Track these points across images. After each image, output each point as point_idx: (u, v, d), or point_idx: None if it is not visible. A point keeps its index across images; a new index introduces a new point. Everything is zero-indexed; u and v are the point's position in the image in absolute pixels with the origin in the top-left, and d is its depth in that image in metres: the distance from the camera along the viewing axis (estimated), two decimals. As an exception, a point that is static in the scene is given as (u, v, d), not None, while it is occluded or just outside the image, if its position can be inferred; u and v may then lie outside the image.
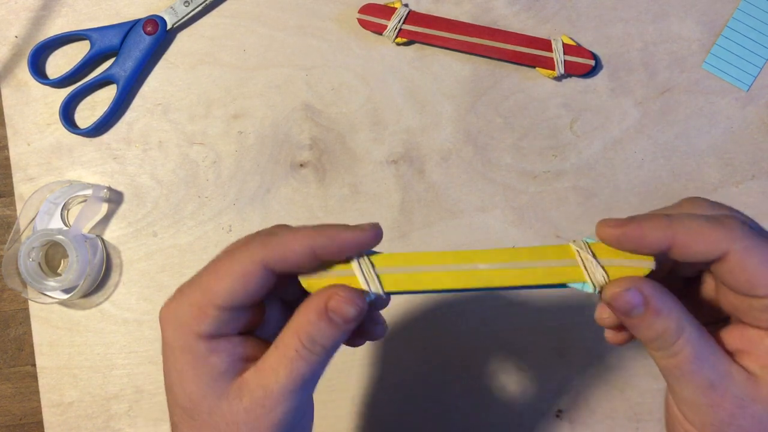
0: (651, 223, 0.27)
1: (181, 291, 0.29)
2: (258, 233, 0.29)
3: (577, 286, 0.28)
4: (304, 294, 0.29)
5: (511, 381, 0.51)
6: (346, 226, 0.29)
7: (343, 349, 0.51)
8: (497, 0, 0.53)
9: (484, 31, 0.51)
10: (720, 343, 0.28)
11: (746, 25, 0.52)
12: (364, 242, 0.29)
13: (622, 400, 0.51)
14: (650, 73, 0.52)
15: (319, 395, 0.51)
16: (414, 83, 0.52)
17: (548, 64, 0.51)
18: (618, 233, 0.27)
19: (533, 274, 0.28)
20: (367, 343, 0.51)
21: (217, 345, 0.28)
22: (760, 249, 0.26)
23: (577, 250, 0.28)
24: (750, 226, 0.26)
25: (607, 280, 0.27)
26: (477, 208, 0.52)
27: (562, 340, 0.51)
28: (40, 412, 0.50)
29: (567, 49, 0.51)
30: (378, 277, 0.29)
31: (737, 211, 0.28)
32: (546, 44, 0.51)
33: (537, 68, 0.52)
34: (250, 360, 0.29)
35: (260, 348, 0.30)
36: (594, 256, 0.28)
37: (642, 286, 0.27)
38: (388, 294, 0.29)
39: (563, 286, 0.28)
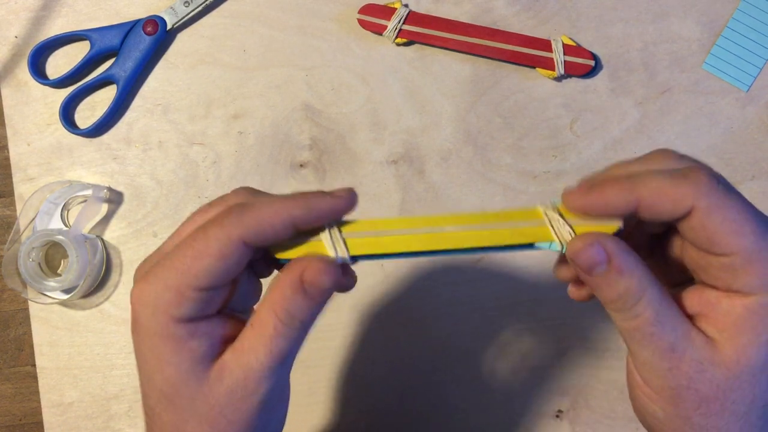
0: (613, 188, 0.26)
1: (154, 273, 0.27)
2: (231, 205, 0.28)
3: (545, 245, 0.27)
4: (270, 260, 0.29)
5: (511, 381, 0.51)
6: (322, 194, 0.28)
7: (343, 349, 0.51)
8: (497, 0, 0.53)
9: (484, 31, 0.51)
10: (680, 305, 0.27)
11: (746, 25, 0.52)
12: (341, 209, 0.28)
13: (622, 400, 0.51)
14: (650, 73, 0.52)
15: (318, 397, 0.51)
16: (414, 83, 0.52)
17: (548, 64, 0.51)
18: (582, 203, 0.27)
19: (500, 235, 0.27)
20: (366, 343, 0.51)
21: (196, 328, 0.27)
22: (723, 206, 0.25)
23: (545, 211, 0.28)
24: (717, 180, 0.26)
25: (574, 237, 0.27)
26: (477, 208, 0.52)
27: (562, 339, 0.51)
28: (40, 413, 0.50)
29: (567, 49, 0.51)
30: (345, 241, 0.28)
31: (704, 165, 0.27)
32: (546, 44, 0.51)
33: (537, 68, 0.52)
34: (228, 340, 0.28)
35: (236, 326, 0.29)
36: (561, 215, 0.28)
37: (606, 243, 0.26)
38: (355, 258, 0.28)
39: (531, 246, 0.28)
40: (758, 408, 0.26)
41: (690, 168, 0.26)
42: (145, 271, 0.27)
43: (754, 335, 0.25)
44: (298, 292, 0.27)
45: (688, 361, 0.26)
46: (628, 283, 0.26)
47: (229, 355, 0.28)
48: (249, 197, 0.28)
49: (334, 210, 0.28)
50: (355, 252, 0.28)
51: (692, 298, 0.27)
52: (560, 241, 0.27)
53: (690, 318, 0.27)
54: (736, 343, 0.25)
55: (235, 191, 0.29)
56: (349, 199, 0.28)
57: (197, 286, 0.26)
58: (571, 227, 0.27)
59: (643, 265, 0.27)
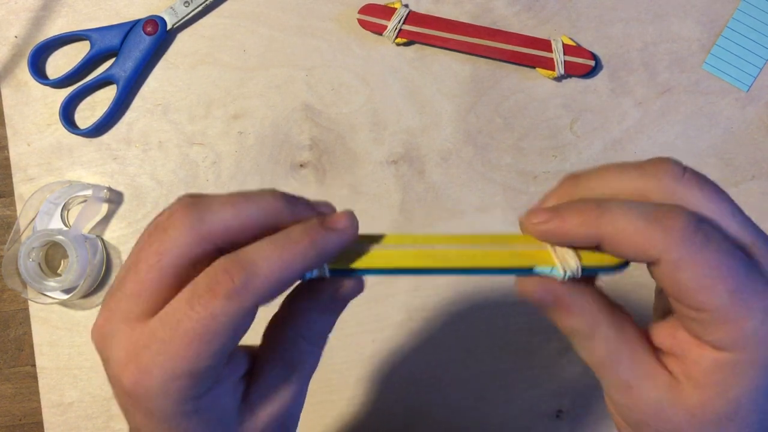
0: (576, 218, 0.24)
1: (152, 360, 0.24)
2: (232, 265, 0.24)
3: (545, 270, 0.26)
4: None
5: (511, 381, 0.51)
6: (325, 230, 0.25)
7: (342, 351, 0.51)
8: (497, 0, 0.53)
9: (484, 32, 0.51)
10: (652, 338, 0.26)
11: (746, 25, 0.52)
12: (347, 245, 0.26)
13: (622, 400, 0.51)
14: (650, 74, 0.52)
15: (317, 396, 0.51)
16: (414, 83, 0.52)
17: (548, 64, 0.51)
18: (541, 229, 0.25)
19: (497, 256, 0.26)
20: (365, 344, 0.51)
21: (218, 389, 0.25)
22: (695, 261, 0.23)
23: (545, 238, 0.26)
24: (696, 228, 0.23)
25: (579, 264, 0.26)
26: (477, 209, 0.52)
27: (562, 340, 0.51)
28: (40, 413, 0.50)
29: (567, 49, 0.51)
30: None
31: (684, 210, 0.24)
32: (546, 44, 0.51)
33: (537, 68, 0.52)
34: (247, 371, 0.27)
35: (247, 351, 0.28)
36: None
37: (555, 288, 0.26)
38: (333, 272, 0.26)
39: (529, 271, 0.27)
40: None
41: (668, 210, 0.23)
42: (128, 346, 0.24)
43: (722, 390, 0.24)
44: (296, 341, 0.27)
45: (646, 399, 0.25)
46: (576, 322, 0.26)
47: (256, 396, 0.27)
48: (253, 255, 0.24)
49: (341, 248, 0.26)
50: (334, 266, 0.26)
51: (665, 334, 0.26)
52: (563, 267, 0.26)
53: (661, 352, 0.26)
54: (702, 392, 0.24)
55: (185, 211, 0.25)
56: (354, 229, 0.26)
57: (212, 365, 0.24)
58: (576, 252, 0.26)
59: (596, 303, 0.26)
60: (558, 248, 0.26)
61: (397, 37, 0.51)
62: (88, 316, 0.50)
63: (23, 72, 0.51)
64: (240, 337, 0.24)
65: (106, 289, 0.51)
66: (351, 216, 0.26)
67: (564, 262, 0.26)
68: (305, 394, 0.28)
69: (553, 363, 0.51)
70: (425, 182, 0.52)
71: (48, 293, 0.49)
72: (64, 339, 0.50)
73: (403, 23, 0.51)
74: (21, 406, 0.51)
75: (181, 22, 0.51)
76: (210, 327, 0.23)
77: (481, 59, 0.52)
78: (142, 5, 0.52)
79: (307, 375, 0.28)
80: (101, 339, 0.25)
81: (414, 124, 0.52)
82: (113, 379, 0.25)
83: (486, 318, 0.51)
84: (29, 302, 0.50)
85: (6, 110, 0.51)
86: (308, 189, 0.51)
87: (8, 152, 0.51)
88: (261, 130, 0.52)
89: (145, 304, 0.24)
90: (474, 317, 0.51)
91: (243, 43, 0.52)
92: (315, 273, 0.26)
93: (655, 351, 0.26)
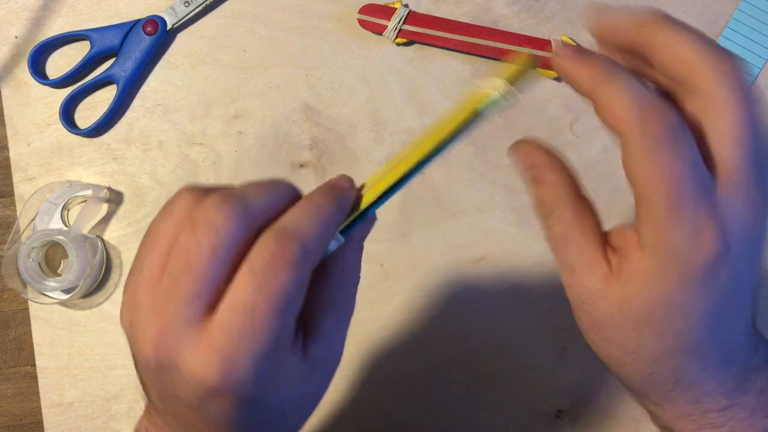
0: (589, 69, 0.26)
1: (241, 346, 0.24)
2: (282, 234, 0.25)
3: (487, 105, 0.28)
4: None
5: (511, 381, 0.51)
6: (339, 191, 0.28)
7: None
8: (497, 0, 0.53)
9: (484, 31, 0.51)
10: (610, 236, 0.28)
11: (746, 25, 0.52)
12: (353, 200, 0.29)
13: (622, 401, 0.51)
14: (650, 73, 0.52)
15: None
16: (414, 83, 0.52)
17: (548, 64, 0.51)
18: (560, 59, 0.27)
19: (448, 124, 0.28)
20: (364, 343, 0.51)
21: (291, 354, 0.27)
22: (655, 153, 0.25)
23: (472, 87, 0.29)
24: (678, 133, 0.24)
25: (504, 82, 0.28)
26: (477, 209, 0.52)
27: (562, 340, 0.51)
28: (40, 413, 0.50)
29: (567, 49, 0.51)
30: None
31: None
32: (546, 44, 0.51)
33: (537, 69, 0.52)
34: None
35: None
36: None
37: (534, 154, 0.29)
38: (343, 234, 0.28)
39: (479, 116, 0.29)
40: (643, 355, 0.27)
41: (656, 109, 0.25)
42: (205, 347, 0.24)
43: (640, 293, 0.26)
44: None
45: (583, 285, 0.27)
46: (543, 193, 0.29)
47: (316, 348, 0.28)
48: (254, 204, 0.26)
49: (352, 202, 0.29)
50: (344, 225, 0.29)
51: (619, 233, 0.27)
52: (499, 93, 0.28)
53: (611, 248, 0.27)
54: (624, 291, 0.26)
55: (229, 202, 0.25)
56: (353, 185, 0.29)
57: (291, 330, 0.26)
58: (498, 78, 0.28)
59: (566, 186, 0.28)
60: (482, 83, 0.28)
61: (397, 37, 0.51)
62: (88, 316, 0.50)
63: (23, 72, 0.51)
64: (303, 298, 0.26)
65: (106, 289, 0.51)
66: (347, 177, 0.29)
67: (494, 85, 0.28)
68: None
69: (553, 363, 0.51)
70: (425, 182, 0.52)
71: (48, 293, 0.49)
72: (64, 339, 0.50)
73: (403, 23, 0.51)
74: (21, 406, 0.51)
75: (181, 22, 0.51)
76: (282, 300, 0.24)
77: (481, 59, 0.52)
78: (142, 5, 0.52)
79: (351, 316, 0.30)
80: (162, 350, 0.25)
81: (414, 124, 0.52)
82: (188, 383, 0.25)
83: (486, 318, 0.51)
84: (29, 302, 0.50)
85: (6, 110, 0.51)
86: (308, 189, 0.51)
87: (8, 152, 0.51)
88: (261, 130, 0.52)
89: (207, 301, 0.24)
90: (474, 317, 0.51)
91: (243, 43, 0.52)
92: (334, 245, 0.28)
93: (606, 246, 0.27)
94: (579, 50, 0.27)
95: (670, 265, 0.25)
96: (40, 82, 0.51)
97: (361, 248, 0.30)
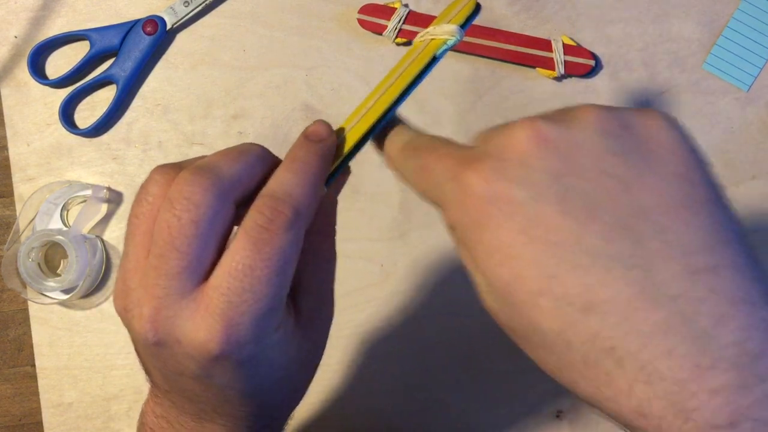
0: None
1: (234, 317, 0.24)
2: (277, 207, 0.25)
3: (443, 50, 0.31)
4: None
5: (511, 381, 0.51)
6: (320, 146, 0.28)
7: (341, 351, 0.51)
8: (497, 0, 0.53)
9: (484, 31, 0.51)
10: None
11: (746, 25, 0.52)
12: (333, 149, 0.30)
13: (622, 401, 0.51)
14: (650, 73, 0.52)
15: (314, 396, 0.51)
16: (414, 83, 0.52)
17: (548, 64, 0.51)
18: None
19: (410, 70, 0.31)
20: (363, 342, 0.51)
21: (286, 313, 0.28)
22: (405, 168, 0.28)
23: (421, 36, 0.31)
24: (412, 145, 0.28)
25: (455, 28, 0.31)
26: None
27: (562, 340, 0.51)
28: (40, 413, 0.50)
29: (567, 49, 0.51)
30: None
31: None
32: (546, 44, 0.51)
33: (537, 68, 0.52)
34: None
35: None
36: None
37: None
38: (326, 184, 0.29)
39: (435, 61, 0.31)
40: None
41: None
42: (202, 315, 0.24)
43: (478, 260, 0.24)
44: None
45: (484, 304, 0.27)
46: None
47: (306, 302, 0.29)
48: (237, 174, 0.26)
49: (333, 151, 0.29)
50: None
51: None
52: (453, 38, 0.31)
53: None
54: (478, 275, 0.26)
55: (201, 175, 0.25)
56: (333, 132, 0.29)
57: (287, 292, 0.26)
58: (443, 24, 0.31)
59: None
60: (435, 30, 0.31)
61: (397, 37, 0.51)
62: (88, 316, 0.50)
63: (23, 72, 0.51)
64: (298, 260, 0.26)
65: (106, 289, 0.51)
66: (325, 123, 0.29)
67: (447, 33, 0.31)
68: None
69: (553, 363, 0.51)
70: (425, 182, 0.52)
71: (48, 293, 0.49)
72: (63, 339, 0.50)
73: (403, 23, 0.51)
74: (21, 407, 0.51)
75: (181, 22, 0.51)
76: (280, 260, 0.24)
77: (481, 59, 0.52)
78: (141, 5, 0.52)
79: (335, 268, 0.31)
80: (160, 326, 0.25)
81: (414, 124, 0.52)
82: (188, 353, 0.25)
83: (486, 318, 0.51)
84: (29, 302, 0.50)
85: (6, 110, 0.51)
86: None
87: (8, 152, 0.51)
88: (261, 130, 0.52)
89: (196, 274, 0.25)
90: (474, 317, 0.51)
91: (243, 43, 0.52)
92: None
93: None
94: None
95: (461, 219, 0.24)
96: (39, 82, 0.51)
97: (336, 200, 0.31)
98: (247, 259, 0.24)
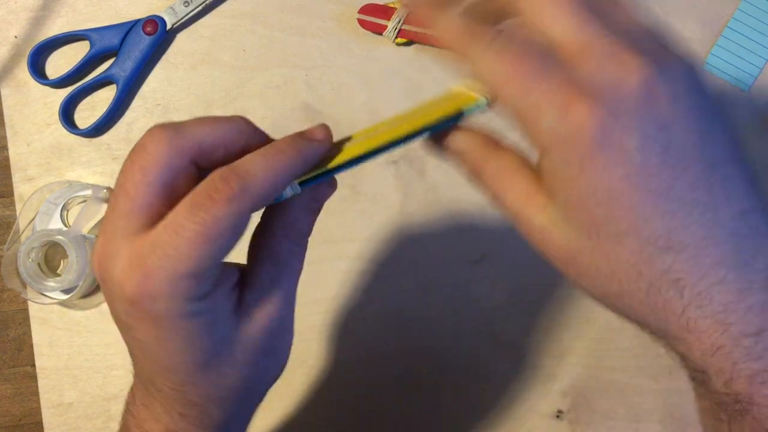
0: (423, 7, 0.28)
1: (156, 264, 0.25)
2: (225, 173, 0.26)
3: (472, 109, 0.28)
4: None
5: (511, 381, 0.51)
6: (308, 142, 0.29)
7: (340, 351, 0.51)
8: (497, 0, 0.53)
9: (484, 31, 0.51)
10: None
11: (746, 25, 0.52)
12: (324, 152, 0.29)
13: (622, 400, 0.51)
14: (650, 74, 0.52)
15: (316, 396, 0.51)
16: (414, 83, 0.52)
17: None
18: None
19: (432, 114, 0.29)
20: (363, 342, 0.51)
21: (219, 291, 0.27)
22: (491, 67, 0.25)
23: (460, 84, 0.29)
24: (492, 36, 0.25)
25: (485, 92, 0.28)
26: (477, 208, 0.51)
27: (562, 340, 0.51)
28: (40, 413, 0.50)
29: (567, 49, 0.51)
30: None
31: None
32: (546, 44, 0.51)
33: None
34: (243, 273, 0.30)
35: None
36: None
37: (441, 139, 0.29)
38: (302, 185, 0.29)
39: (459, 116, 0.29)
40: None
41: (474, 25, 0.26)
42: (131, 257, 0.25)
43: (569, 198, 0.25)
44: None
45: (532, 226, 0.27)
46: (465, 164, 0.29)
47: (251, 298, 0.29)
48: (198, 139, 0.27)
49: (321, 156, 0.29)
50: (307, 176, 0.29)
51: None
52: (484, 96, 0.28)
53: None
54: (559, 209, 0.26)
55: (162, 129, 0.26)
56: (330, 138, 0.29)
57: (214, 265, 0.26)
58: (476, 87, 0.28)
59: (477, 145, 0.29)
60: (471, 85, 0.28)
61: (397, 37, 0.51)
62: (88, 316, 0.50)
63: (23, 72, 0.51)
64: (237, 240, 0.26)
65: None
66: (326, 128, 0.29)
67: (480, 92, 0.28)
68: (294, 299, 0.30)
69: (553, 363, 0.51)
70: (425, 182, 0.52)
71: (47, 293, 0.49)
72: (63, 339, 0.50)
73: (403, 23, 0.51)
74: (20, 407, 0.51)
75: (181, 22, 0.51)
76: (212, 229, 0.25)
77: (481, 59, 0.52)
78: (141, 5, 0.52)
79: (295, 277, 0.30)
80: (103, 262, 0.26)
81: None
82: (116, 294, 0.26)
83: (486, 318, 0.51)
84: (29, 302, 0.50)
85: (6, 110, 0.51)
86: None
87: (8, 152, 0.51)
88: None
89: (141, 219, 0.26)
90: (474, 317, 0.51)
91: (243, 43, 0.52)
92: (289, 192, 0.28)
93: (538, 178, 0.27)
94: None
95: (567, 155, 0.24)
96: (39, 82, 0.51)
97: (315, 210, 0.30)
98: (180, 217, 0.25)
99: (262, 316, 0.29)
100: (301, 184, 0.28)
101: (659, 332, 0.26)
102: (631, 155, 0.23)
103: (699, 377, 0.26)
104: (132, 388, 0.32)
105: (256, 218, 0.29)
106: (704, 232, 0.24)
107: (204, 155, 0.27)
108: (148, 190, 0.26)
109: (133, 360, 0.30)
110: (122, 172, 0.26)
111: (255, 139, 0.28)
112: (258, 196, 0.26)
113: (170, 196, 0.26)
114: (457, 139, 0.29)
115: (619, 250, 0.24)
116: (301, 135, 0.29)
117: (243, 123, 0.28)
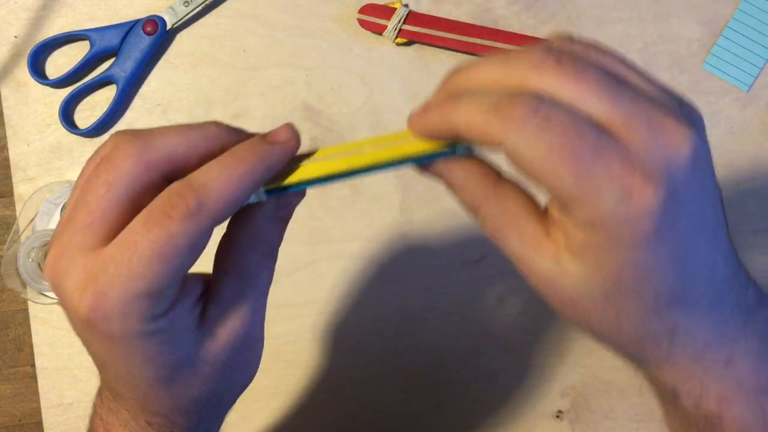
0: (436, 113, 0.25)
1: (109, 282, 0.24)
2: (183, 186, 0.24)
3: (465, 146, 0.26)
4: None
5: (511, 381, 0.51)
6: (269, 146, 0.27)
7: (341, 351, 0.51)
8: (497, 0, 0.53)
9: (484, 31, 0.51)
10: (549, 210, 0.26)
11: (746, 25, 0.52)
12: (291, 156, 0.27)
13: (622, 400, 0.51)
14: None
15: (316, 396, 0.51)
16: (414, 83, 0.52)
17: (548, 64, 0.51)
18: (412, 125, 0.27)
19: (421, 144, 0.27)
20: (363, 343, 0.51)
21: (178, 308, 0.26)
22: (534, 145, 0.22)
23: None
24: (535, 109, 0.22)
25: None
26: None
27: (562, 340, 0.51)
28: (40, 413, 0.50)
29: (567, 49, 0.51)
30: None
31: (527, 95, 0.23)
32: (546, 44, 0.51)
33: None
34: (207, 286, 0.28)
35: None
36: None
37: (438, 167, 0.27)
38: (269, 193, 0.27)
39: (450, 153, 0.27)
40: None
41: (508, 98, 0.23)
42: (84, 274, 0.24)
43: (597, 265, 0.24)
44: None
45: (535, 270, 0.26)
46: (462, 198, 0.27)
47: (214, 313, 0.28)
48: (162, 152, 0.25)
49: (285, 160, 0.27)
50: (273, 185, 0.27)
51: (552, 205, 0.25)
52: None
53: (556, 224, 0.25)
54: (580, 266, 0.24)
55: (130, 140, 0.25)
56: (296, 140, 0.27)
57: (171, 284, 0.25)
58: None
59: (479, 180, 0.27)
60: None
61: (397, 37, 0.51)
62: (87, 317, 0.50)
63: (23, 72, 0.51)
64: (196, 257, 0.25)
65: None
66: (291, 128, 0.28)
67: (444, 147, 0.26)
68: (263, 311, 0.29)
69: (553, 363, 0.51)
70: (425, 182, 0.52)
71: (47, 293, 0.49)
72: (63, 339, 0.50)
73: (403, 23, 0.51)
74: (21, 407, 0.51)
75: (181, 22, 0.51)
76: (167, 247, 0.24)
77: (481, 59, 0.52)
78: (141, 5, 0.52)
79: (262, 289, 0.29)
80: (56, 273, 0.25)
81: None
82: (70, 310, 0.25)
83: (486, 318, 0.51)
84: (29, 302, 0.50)
85: (6, 110, 0.51)
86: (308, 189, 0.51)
87: (8, 152, 0.51)
88: (261, 130, 0.52)
89: (99, 234, 0.25)
90: (474, 317, 0.51)
91: (243, 43, 0.52)
92: (253, 198, 0.27)
93: (547, 221, 0.26)
94: (423, 107, 0.26)
95: (613, 234, 0.23)
96: (39, 82, 0.51)
97: (283, 219, 0.29)
98: (134, 235, 0.24)
99: (225, 332, 0.28)
100: (267, 191, 0.27)
101: (633, 357, 0.27)
102: (682, 236, 0.23)
103: (669, 397, 0.28)
104: (99, 391, 0.32)
105: (222, 226, 0.28)
106: (703, 284, 0.25)
107: (174, 168, 0.25)
108: (110, 205, 0.24)
109: (96, 367, 0.29)
110: (85, 182, 0.25)
111: (231, 143, 0.27)
112: (216, 211, 0.24)
113: (134, 212, 0.25)
114: (452, 172, 0.27)
115: (633, 305, 0.25)
116: (263, 138, 0.27)
117: (214, 129, 0.27)
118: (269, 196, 0.27)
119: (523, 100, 0.23)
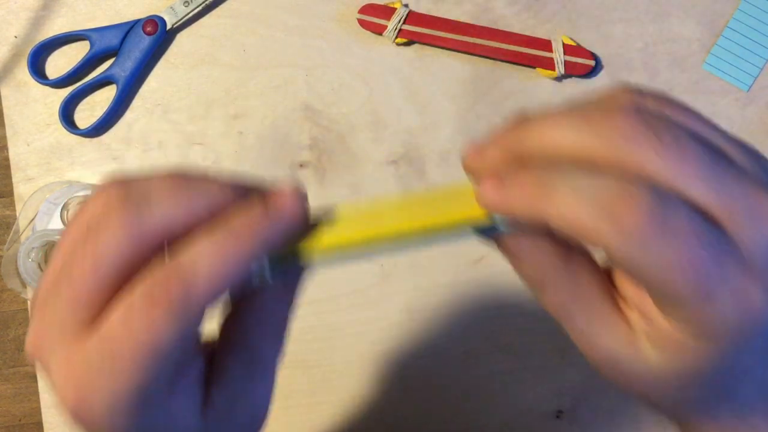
0: (520, 195, 0.22)
1: (96, 384, 0.22)
2: (167, 275, 0.21)
3: (503, 223, 0.23)
4: None
5: (511, 381, 0.51)
6: (266, 216, 0.23)
7: (342, 351, 0.51)
8: (497, 0, 0.53)
9: (484, 31, 0.51)
10: (615, 279, 0.24)
11: (746, 25, 0.52)
12: (293, 228, 0.24)
13: (622, 400, 0.51)
14: (650, 74, 0.52)
15: (316, 396, 0.51)
16: (414, 83, 0.52)
17: (548, 64, 0.51)
18: (486, 200, 0.22)
19: (461, 215, 0.23)
20: (365, 344, 0.51)
21: (177, 395, 0.23)
22: (653, 258, 0.20)
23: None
24: (655, 218, 0.20)
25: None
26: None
27: (561, 340, 0.51)
28: (40, 413, 0.50)
29: (567, 49, 0.51)
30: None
31: (644, 185, 0.20)
32: (546, 44, 0.51)
33: (537, 68, 0.52)
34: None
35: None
36: None
37: (502, 239, 0.24)
38: (275, 268, 0.23)
39: (491, 229, 0.23)
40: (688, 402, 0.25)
41: (620, 197, 0.20)
42: (66, 368, 0.22)
43: (685, 362, 0.22)
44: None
45: (600, 348, 0.24)
46: (527, 272, 0.24)
47: (221, 400, 0.25)
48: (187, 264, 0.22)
49: (289, 234, 0.23)
50: (281, 262, 0.23)
51: (631, 286, 0.23)
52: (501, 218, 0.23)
53: (623, 298, 0.24)
54: (661, 355, 0.23)
55: (121, 208, 0.22)
56: (302, 211, 0.24)
57: (160, 379, 0.22)
58: None
59: (548, 255, 0.23)
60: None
61: (397, 37, 0.51)
62: (87, 317, 0.50)
63: (23, 72, 0.51)
64: (190, 345, 0.23)
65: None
66: (297, 197, 0.24)
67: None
68: (273, 387, 0.26)
69: (553, 363, 0.51)
70: (425, 182, 0.52)
71: (48, 293, 0.49)
72: (63, 339, 0.50)
73: (403, 23, 0.51)
74: (21, 406, 0.51)
75: (181, 22, 0.51)
76: (152, 343, 0.21)
77: (481, 59, 0.52)
78: (141, 5, 0.52)
79: (273, 367, 0.26)
80: (38, 353, 0.23)
81: (414, 124, 0.52)
82: (58, 397, 0.23)
83: (486, 318, 0.51)
84: (29, 302, 0.50)
85: (6, 110, 0.51)
86: (308, 189, 0.51)
87: (8, 152, 0.51)
88: (261, 130, 0.52)
89: (82, 313, 0.22)
90: (474, 318, 0.51)
91: (243, 43, 0.52)
92: (256, 282, 0.23)
93: (616, 296, 0.24)
94: (497, 180, 0.22)
95: (714, 335, 0.21)
96: (39, 82, 0.51)
97: (293, 298, 0.26)
98: (115, 331, 0.21)
99: (233, 417, 0.25)
100: (273, 265, 0.23)
101: (674, 418, 0.26)
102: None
103: None
104: None
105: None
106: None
107: (173, 238, 0.22)
108: (96, 286, 0.22)
109: None
110: (71, 248, 0.22)
111: (241, 200, 0.23)
112: (204, 297, 0.21)
113: (122, 286, 0.22)
114: (520, 244, 0.24)
115: (710, 397, 0.24)
116: (264, 205, 0.23)
117: (217, 190, 0.23)
118: (274, 272, 0.23)
119: (639, 205, 0.20)
